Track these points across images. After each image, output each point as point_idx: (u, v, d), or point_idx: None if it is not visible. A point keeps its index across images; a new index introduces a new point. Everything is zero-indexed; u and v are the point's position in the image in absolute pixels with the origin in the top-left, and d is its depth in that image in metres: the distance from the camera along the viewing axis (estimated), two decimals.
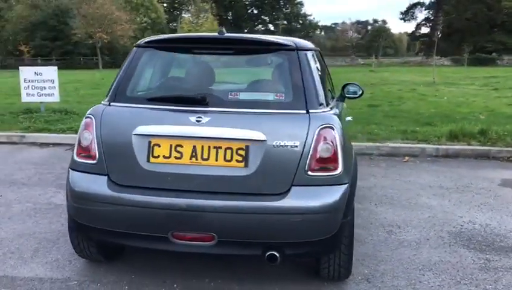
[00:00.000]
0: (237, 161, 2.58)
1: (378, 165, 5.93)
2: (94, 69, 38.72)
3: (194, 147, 2.61)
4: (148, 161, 2.64)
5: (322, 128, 2.62)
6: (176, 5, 64.87)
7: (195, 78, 3.02)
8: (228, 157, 2.59)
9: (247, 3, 61.40)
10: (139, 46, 2.99)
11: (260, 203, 2.54)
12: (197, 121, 2.62)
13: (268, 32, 59.95)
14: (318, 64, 3.26)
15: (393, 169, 5.76)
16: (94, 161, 2.74)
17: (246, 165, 2.58)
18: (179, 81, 3.02)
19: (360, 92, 4.41)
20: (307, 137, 2.59)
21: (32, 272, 3.03)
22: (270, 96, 2.79)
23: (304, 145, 2.58)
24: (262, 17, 63.66)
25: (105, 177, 2.72)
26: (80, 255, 3.11)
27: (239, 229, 2.56)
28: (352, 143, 6.26)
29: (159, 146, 2.64)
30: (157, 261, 3.16)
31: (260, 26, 64.16)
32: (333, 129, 2.65)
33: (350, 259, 2.83)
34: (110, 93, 2.90)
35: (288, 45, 2.84)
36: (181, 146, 2.62)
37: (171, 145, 2.63)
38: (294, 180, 2.58)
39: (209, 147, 2.60)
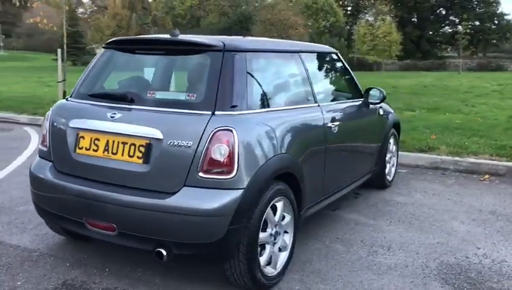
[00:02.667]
0: (138, 157, 2.69)
1: (443, 182, 5.26)
2: None
3: (108, 141, 2.79)
4: (75, 151, 2.91)
5: (218, 131, 2.57)
6: (359, 8, 64.46)
7: (131, 77, 3.17)
8: (131, 153, 2.71)
9: (434, 3, 57.71)
10: (103, 47, 3.27)
11: (150, 200, 2.60)
12: (111, 117, 2.80)
13: (450, 34, 55.55)
14: (270, 67, 3.16)
15: (456, 187, 5.05)
16: (46, 149, 3.12)
17: (146, 162, 2.67)
18: (119, 79, 3.21)
19: (382, 96, 4.10)
20: (201, 138, 2.57)
21: (19, 241, 3.54)
22: (182, 96, 2.82)
23: (198, 146, 2.56)
24: (451, 18, 59.19)
25: (51, 164, 3.07)
26: (55, 232, 3.53)
27: (133, 223, 2.66)
28: (427, 155, 5.71)
29: (84, 138, 2.89)
30: (119, 250, 3.38)
31: (447, 27, 59.75)
32: (232, 132, 2.57)
33: (252, 269, 2.68)
34: (73, 90, 3.24)
35: (215, 46, 2.82)
36: (98, 140, 2.83)
37: (91, 138, 2.86)
38: (186, 181, 2.59)
39: (118, 142, 2.76)
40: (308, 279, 3.02)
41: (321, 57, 3.96)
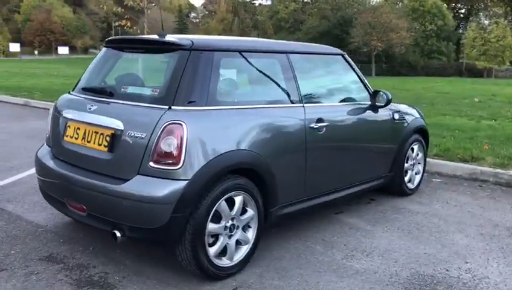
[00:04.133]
0: (104, 145, 2.95)
1: (473, 194, 4.92)
2: (367, 76, 39.88)
3: (85, 130, 3.10)
4: (63, 138, 3.26)
5: (169, 124, 2.74)
6: (472, 10, 60.67)
7: (116, 73, 3.42)
8: (100, 141, 2.98)
9: None
10: (104, 45, 3.58)
11: (109, 185, 2.85)
12: (89, 109, 3.09)
13: None
14: (243, 66, 3.25)
15: (485, 200, 4.71)
16: (48, 136, 3.52)
17: (110, 150, 2.93)
18: (106, 75, 3.46)
19: (386, 100, 4.02)
20: (153, 130, 2.76)
21: (35, 218, 3.97)
22: (148, 91, 3.03)
23: (150, 137, 2.76)
24: None
25: (50, 149, 3.45)
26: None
27: (96, 205, 2.93)
28: (466, 165, 5.37)
29: (70, 127, 3.22)
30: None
31: None
32: (182, 126, 2.73)
33: (197, 257, 2.81)
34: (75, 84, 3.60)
35: (183, 45, 2.99)
36: (79, 129, 3.14)
37: (75, 127, 3.18)
38: (140, 169, 2.80)
39: (92, 131, 3.05)
40: (268, 274, 3.08)
41: (320, 58, 3.96)
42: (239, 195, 2.99)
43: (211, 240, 2.92)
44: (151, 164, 2.75)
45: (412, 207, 4.47)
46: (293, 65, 3.51)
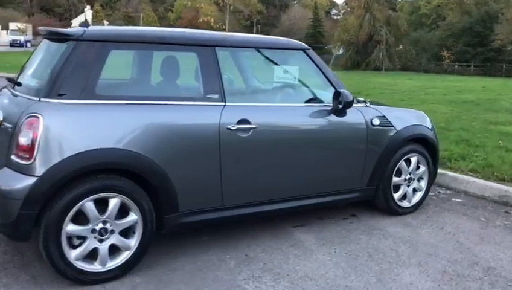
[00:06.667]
0: None
1: (488, 221, 4.02)
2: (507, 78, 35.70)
3: None
4: None
5: (28, 117, 2.65)
6: None
7: (37, 64, 3.34)
8: None
9: None
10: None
11: None
12: None
13: None
14: (143, 59, 3.02)
15: (495, 231, 3.82)
16: None
17: None
18: (34, 66, 3.33)
19: (344, 102, 3.48)
20: (17, 123, 2.69)
21: None
22: (34, 83, 2.94)
23: (14, 130, 2.69)
24: None
25: None
26: None
27: None
28: (498, 185, 4.47)
29: None
30: None
31: None
32: (39, 119, 2.62)
33: (51, 258, 2.66)
34: None
35: (73, 35, 2.86)
36: None
37: None
38: (7, 162, 2.74)
39: None
40: (145, 286, 2.82)
41: (270, 52, 3.50)
42: (114, 197, 2.77)
43: (77, 242, 2.76)
44: (13, 157, 2.68)
45: (391, 229, 3.80)
46: (219, 59, 3.16)
